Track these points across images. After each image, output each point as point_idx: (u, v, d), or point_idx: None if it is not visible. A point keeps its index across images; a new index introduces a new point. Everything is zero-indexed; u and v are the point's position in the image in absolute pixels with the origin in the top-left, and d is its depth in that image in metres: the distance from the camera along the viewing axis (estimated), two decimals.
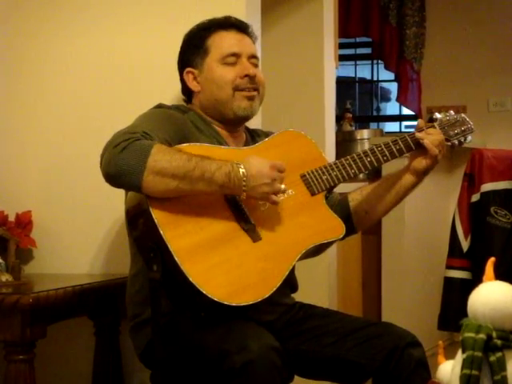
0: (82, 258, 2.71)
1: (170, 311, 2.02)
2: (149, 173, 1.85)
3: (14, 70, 2.83)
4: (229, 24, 2.22)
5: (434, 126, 2.23)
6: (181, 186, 1.88)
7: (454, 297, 3.13)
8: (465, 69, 5.58)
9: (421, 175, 2.22)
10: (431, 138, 2.18)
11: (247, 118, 2.23)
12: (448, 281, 3.15)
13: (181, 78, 2.26)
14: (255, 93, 2.19)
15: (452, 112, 2.30)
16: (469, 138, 2.31)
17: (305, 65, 3.62)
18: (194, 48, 2.22)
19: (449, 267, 3.15)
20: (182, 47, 2.27)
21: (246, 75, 2.17)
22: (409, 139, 2.19)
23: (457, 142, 2.28)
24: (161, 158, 1.87)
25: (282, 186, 1.99)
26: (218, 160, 1.93)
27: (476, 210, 3.07)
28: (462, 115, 2.31)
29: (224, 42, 2.19)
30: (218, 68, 2.17)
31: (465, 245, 3.13)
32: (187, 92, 2.26)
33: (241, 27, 2.24)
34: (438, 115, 2.27)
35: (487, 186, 3.02)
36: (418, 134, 2.19)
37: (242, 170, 1.92)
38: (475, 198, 3.07)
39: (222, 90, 2.16)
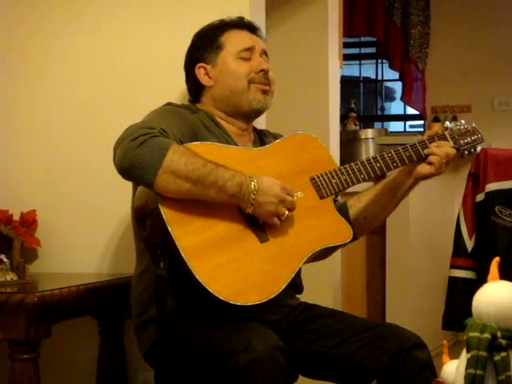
0: (87, 257, 2.71)
1: (175, 310, 2.02)
2: (163, 172, 1.86)
3: (17, 68, 2.83)
4: (242, 24, 2.26)
5: (444, 137, 2.21)
6: (193, 190, 1.89)
7: (459, 296, 3.12)
8: (469, 68, 5.57)
9: (419, 179, 2.22)
10: (441, 151, 2.16)
11: (261, 111, 2.24)
12: (452, 280, 3.14)
13: (189, 76, 2.26)
14: (268, 87, 2.22)
15: (463, 121, 2.29)
16: (478, 148, 2.31)
17: (309, 64, 3.62)
18: (206, 44, 2.23)
19: (453, 267, 3.14)
20: (191, 45, 2.27)
21: (261, 70, 2.20)
22: (419, 148, 2.18)
23: (467, 152, 2.28)
24: (177, 159, 1.88)
25: (287, 212, 2.00)
26: (233, 170, 1.94)
27: (481, 210, 3.06)
28: (473, 125, 2.30)
29: (238, 38, 2.22)
30: (233, 62, 2.19)
31: (469, 244, 3.12)
32: (196, 90, 2.26)
33: (253, 28, 2.27)
34: (448, 124, 2.27)
35: (492, 186, 3.01)
36: (430, 151, 2.17)
37: (253, 184, 1.94)
38: (480, 197, 3.06)
39: (237, 82, 2.18)
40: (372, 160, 2.18)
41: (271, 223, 1.99)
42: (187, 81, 2.28)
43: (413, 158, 2.18)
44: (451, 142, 2.22)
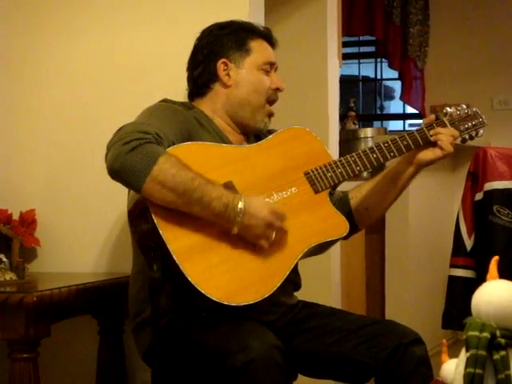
0: (86, 256, 2.71)
1: (170, 311, 2.02)
2: (151, 180, 1.85)
3: (18, 69, 2.83)
4: (269, 35, 2.26)
5: (443, 122, 2.18)
6: (178, 202, 1.88)
7: (459, 296, 3.09)
8: (469, 67, 5.58)
9: (421, 167, 2.19)
10: (447, 131, 2.14)
11: (261, 131, 2.25)
12: (452, 280, 3.12)
13: (205, 67, 2.20)
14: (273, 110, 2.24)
15: (464, 106, 2.24)
16: (481, 131, 2.25)
17: (308, 63, 3.62)
18: (234, 43, 2.20)
19: (453, 266, 3.12)
20: (214, 37, 2.22)
21: (277, 89, 2.22)
22: (417, 135, 2.15)
23: (467, 137, 2.24)
24: (166, 169, 1.87)
25: (273, 235, 1.96)
26: (222, 189, 1.91)
27: (479, 209, 3.04)
28: (474, 109, 2.25)
29: (265, 50, 2.23)
30: (257, 72, 2.20)
31: (468, 243, 3.10)
32: (206, 83, 2.21)
33: (274, 44, 2.28)
34: (448, 109, 2.23)
35: (490, 185, 3.00)
36: (436, 131, 2.14)
37: (240, 206, 1.90)
38: (478, 196, 3.04)
39: (257, 96, 2.19)
40: (368, 151, 2.16)
41: (257, 247, 1.96)
42: (198, 71, 2.22)
43: (410, 146, 2.15)
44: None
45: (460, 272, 3.12)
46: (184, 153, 1.94)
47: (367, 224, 2.34)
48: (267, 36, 2.26)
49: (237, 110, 2.20)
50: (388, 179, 2.24)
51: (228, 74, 2.19)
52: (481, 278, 2.84)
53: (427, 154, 2.15)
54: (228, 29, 2.23)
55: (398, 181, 2.22)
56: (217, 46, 2.21)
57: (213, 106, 2.21)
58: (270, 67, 2.22)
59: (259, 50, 2.22)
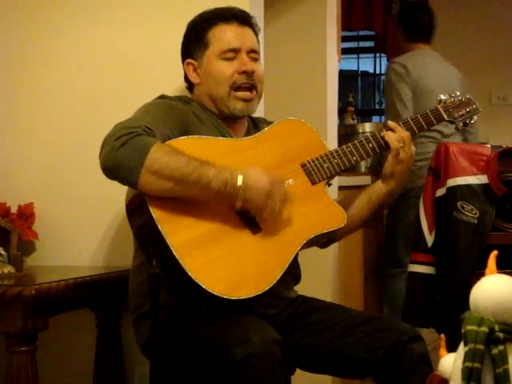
0: (84, 250, 2.71)
1: (170, 305, 2.02)
2: (145, 171, 1.84)
3: (18, 63, 2.83)
4: (230, 15, 2.18)
5: (438, 111, 2.21)
6: (176, 189, 1.87)
7: (418, 292, 3.05)
8: (467, 62, 5.57)
9: (388, 179, 2.18)
10: (396, 136, 2.14)
11: (243, 117, 2.22)
12: (412, 275, 3.09)
13: (183, 68, 2.25)
14: (253, 94, 2.17)
15: (457, 93, 2.26)
16: (475, 118, 2.27)
17: (307, 58, 3.61)
18: (195, 39, 2.20)
19: (412, 262, 3.10)
20: (184, 36, 2.24)
21: (244, 71, 2.14)
22: (413, 125, 2.17)
23: (462, 124, 2.26)
24: (159, 158, 1.85)
25: (278, 204, 1.96)
26: (218, 166, 1.90)
27: (441, 205, 3.02)
28: (468, 96, 2.27)
29: (224, 37, 2.16)
30: (216, 63, 2.15)
31: (429, 240, 3.07)
32: (188, 82, 2.26)
33: (243, 19, 2.20)
34: (442, 97, 2.24)
35: (454, 181, 2.97)
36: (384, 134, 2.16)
37: (239, 180, 1.90)
38: (440, 192, 3.01)
39: (219, 86, 2.15)
40: (364, 141, 2.17)
41: (262, 217, 1.97)
42: (183, 70, 2.26)
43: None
44: (445, 116, 2.21)
45: (420, 268, 3.08)
46: (181, 146, 1.93)
47: (342, 235, 2.30)
48: (228, 17, 2.18)
49: (210, 103, 2.19)
50: (364, 194, 2.25)
51: (196, 73, 2.20)
52: (440, 275, 2.84)
53: (386, 164, 2.17)
54: (191, 24, 2.23)
55: (372, 196, 2.23)
56: (184, 46, 2.24)
57: (201, 101, 2.21)
58: (234, 53, 2.14)
59: (217, 38, 2.16)
